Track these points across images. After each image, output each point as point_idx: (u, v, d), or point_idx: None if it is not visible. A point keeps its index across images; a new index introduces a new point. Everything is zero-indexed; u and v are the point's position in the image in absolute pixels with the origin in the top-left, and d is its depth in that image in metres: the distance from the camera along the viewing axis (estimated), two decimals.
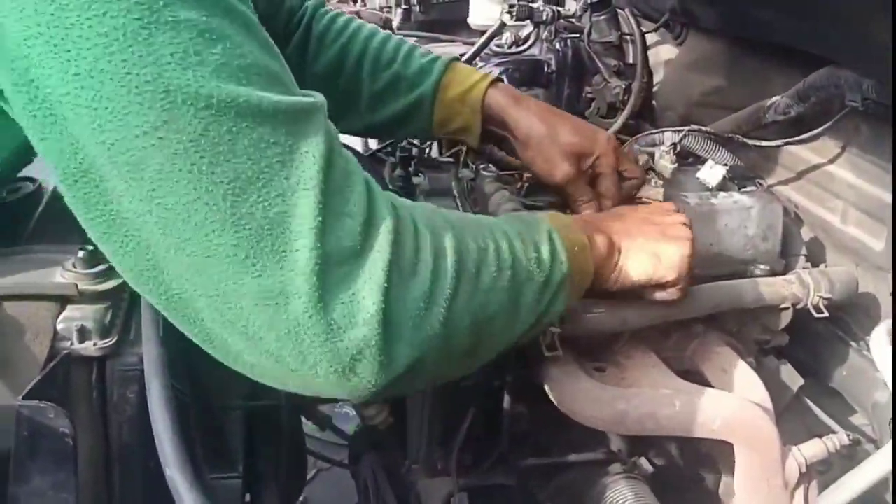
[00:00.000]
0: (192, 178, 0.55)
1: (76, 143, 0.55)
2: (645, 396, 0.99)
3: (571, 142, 1.10)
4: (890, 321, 0.91)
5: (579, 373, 1.00)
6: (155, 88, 0.54)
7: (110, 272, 0.79)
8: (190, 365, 0.58)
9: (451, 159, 1.17)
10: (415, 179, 1.13)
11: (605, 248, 0.88)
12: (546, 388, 1.00)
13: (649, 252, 0.91)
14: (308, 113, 0.62)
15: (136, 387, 0.72)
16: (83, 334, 0.77)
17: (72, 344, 0.78)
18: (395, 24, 1.92)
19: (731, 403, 0.99)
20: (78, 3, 0.53)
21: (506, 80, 1.32)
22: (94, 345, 0.76)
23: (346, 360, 0.61)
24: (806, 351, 1.26)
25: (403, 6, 1.94)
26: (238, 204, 0.57)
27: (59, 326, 0.78)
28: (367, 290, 0.61)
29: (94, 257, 0.78)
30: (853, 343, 1.21)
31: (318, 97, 0.65)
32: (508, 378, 1.01)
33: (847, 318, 1.21)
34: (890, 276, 1.06)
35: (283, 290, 0.58)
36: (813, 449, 1.04)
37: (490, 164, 1.15)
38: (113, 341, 0.77)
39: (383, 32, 1.20)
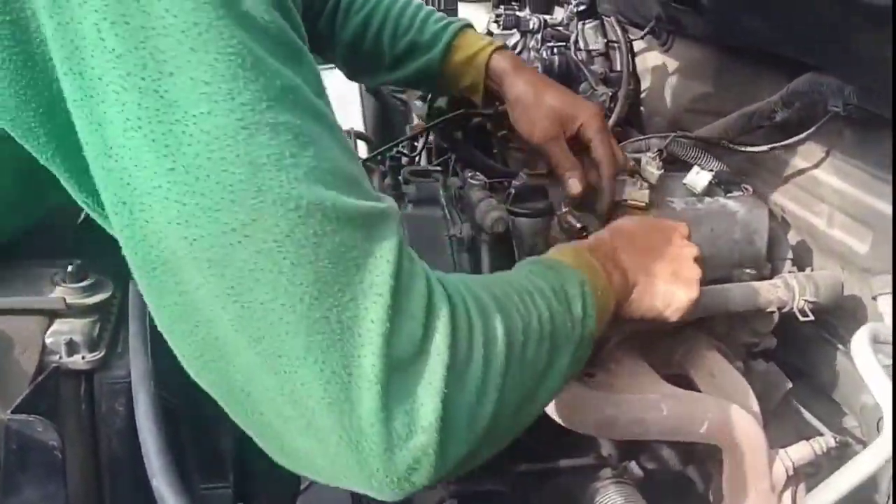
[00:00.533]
0: (274, 277, 0.55)
1: (159, 233, 0.55)
2: (633, 401, 1.00)
3: (553, 105, 1.19)
4: (871, 325, 0.92)
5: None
6: (248, 188, 0.54)
7: (98, 286, 0.79)
8: (186, 378, 0.58)
9: (439, 168, 1.18)
10: (404, 188, 1.13)
11: (621, 288, 0.89)
12: None
13: (661, 294, 0.93)
14: (384, 218, 0.62)
15: (125, 399, 0.72)
16: (71, 348, 0.77)
17: (60, 357, 0.78)
18: None
19: (719, 408, 1.00)
20: (185, 101, 0.53)
21: None
22: (83, 358, 0.76)
23: (402, 470, 0.60)
24: (794, 354, 1.27)
25: None
26: (315, 307, 0.56)
27: (48, 340, 0.78)
28: (426, 397, 0.60)
29: (82, 271, 0.78)
30: (840, 346, 1.22)
31: (390, 202, 0.65)
32: None
33: (834, 320, 1.22)
34: (874, 279, 1.07)
35: (348, 398, 0.57)
36: (800, 452, 1.05)
37: (478, 173, 1.16)
38: (101, 354, 0.77)
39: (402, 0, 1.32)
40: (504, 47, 1.28)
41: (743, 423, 0.99)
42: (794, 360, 1.28)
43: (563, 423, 0.99)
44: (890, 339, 0.92)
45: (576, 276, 0.81)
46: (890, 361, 0.93)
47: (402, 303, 0.60)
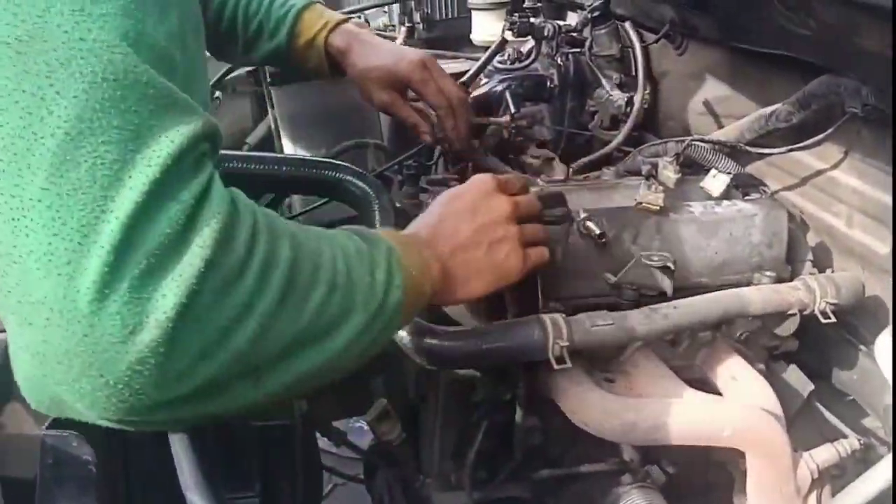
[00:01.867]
0: (33, 100, 0.51)
1: None
2: (654, 406, 1.00)
3: (380, 74, 1.30)
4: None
5: (589, 384, 1.01)
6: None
7: None
8: None
9: (456, 177, 1.19)
10: (422, 196, 1.14)
11: (440, 277, 0.85)
12: (556, 400, 1.01)
13: (489, 270, 0.90)
14: (188, 109, 0.59)
15: None
16: None
17: None
18: (398, 41, 1.94)
19: (741, 412, 1.00)
20: None
21: (508, 96, 1.34)
22: None
23: (121, 370, 0.52)
24: (815, 355, 1.26)
25: (407, 24, 1.96)
26: (67, 146, 0.51)
27: None
28: (169, 289, 0.53)
29: None
30: (862, 346, 1.21)
31: (209, 117, 0.62)
32: (519, 391, 1.02)
33: (855, 321, 1.21)
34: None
35: (73, 261, 0.51)
36: (824, 454, 1.05)
37: None
38: None
39: None
40: (345, 21, 1.35)
41: (766, 426, 0.99)
42: (816, 361, 1.27)
43: (584, 429, 1.00)
44: None
45: (385, 245, 0.78)
46: None
47: (173, 185, 0.55)
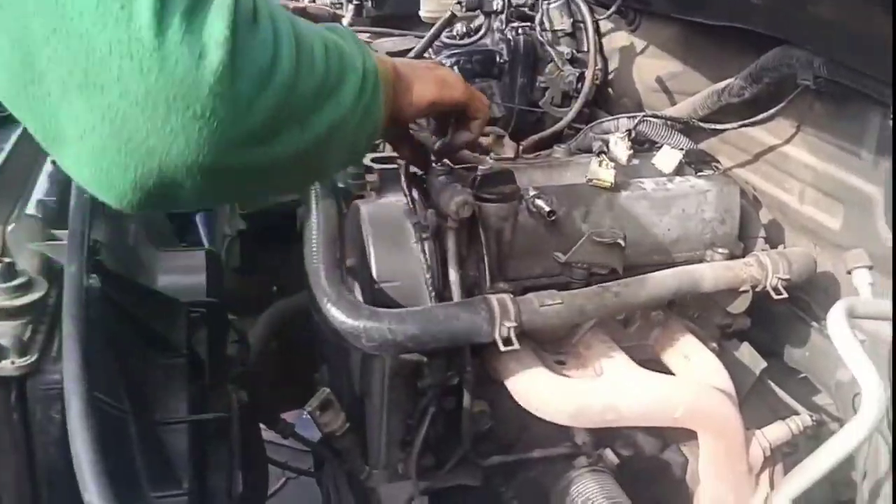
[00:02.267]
0: None
1: None
2: (605, 388, 0.98)
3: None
4: (847, 300, 0.90)
5: (539, 366, 0.99)
6: None
7: (29, 285, 0.75)
8: (127, 379, 0.54)
9: None
10: (367, 177, 1.10)
11: (391, 69, 0.90)
12: (505, 383, 0.98)
13: (430, 78, 0.95)
14: None
15: (61, 406, 0.68)
16: (0, 353, 0.72)
17: None
18: (346, 20, 1.89)
19: (694, 391, 0.99)
20: None
21: (457, 70, 1.30)
22: (13, 363, 0.72)
23: (203, 96, 0.58)
24: (767, 333, 1.26)
25: (355, 2, 1.90)
26: None
27: None
28: (216, 16, 0.58)
29: (11, 270, 0.74)
30: (814, 323, 1.21)
31: None
32: (466, 375, 0.99)
33: (806, 297, 1.21)
34: (847, 254, 1.05)
35: (124, 4, 0.55)
36: (776, 432, 1.04)
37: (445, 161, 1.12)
38: (33, 359, 0.73)
39: None
40: None
41: (718, 405, 0.98)
42: (768, 339, 1.26)
43: (534, 413, 0.97)
44: (867, 313, 0.90)
45: (354, 36, 0.84)
46: (865, 337, 0.91)
47: None
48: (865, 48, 0.93)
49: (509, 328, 0.90)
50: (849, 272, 1.03)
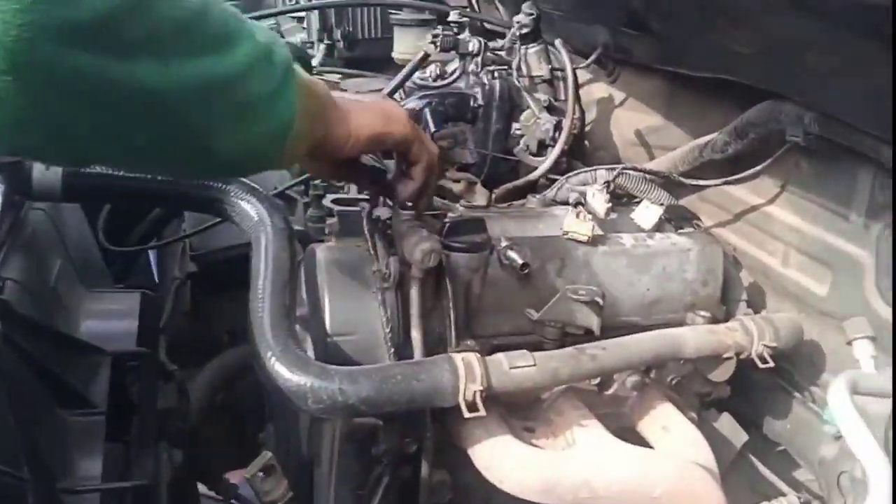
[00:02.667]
0: None
1: None
2: (579, 461, 0.89)
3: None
4: (850, 373, 0.83)
5: (506, 434, 0.90)
6: None
7: None
8: (29, 440, 0.44)
9: (366, 196, 1.07)
10: (328, 221, 1.02)
11: (326, 96, 0.83)
12: (468, 452, 0.89)
13: (372, 110, 0.88)
14: None
15: None
16: None
17: None
18: (316, 60, 1.83)
19: (674, 468, 0.90)
20: None
21: (428, 114, 1.23)
22: None
23: None
24: (747, 403, 1.19)
25: (326, 42, 1.84)
26: None
27: None
28: None
29: None
30: (797, 394, 1.14)
31: None
32: (426, 442, 0.89)
33: (790, 367, 1.14)
34: (847, 323, 0.99)
35: None
36: None
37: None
38: None
39: None
40: None
41: (701, 484, 0.89)
42: (747, 409, 1.20)
43: (499, 486, 0.87)
44: (870, 389, 0.83)
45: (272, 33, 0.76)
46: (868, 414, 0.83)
47: None
48: (862, 101, 0.88)
49: (475, 392, 0.81)
50: (849, 343, 0.96)
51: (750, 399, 1.19)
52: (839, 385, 0.79)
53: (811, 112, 0.99)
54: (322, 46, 1.85)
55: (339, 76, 1.76)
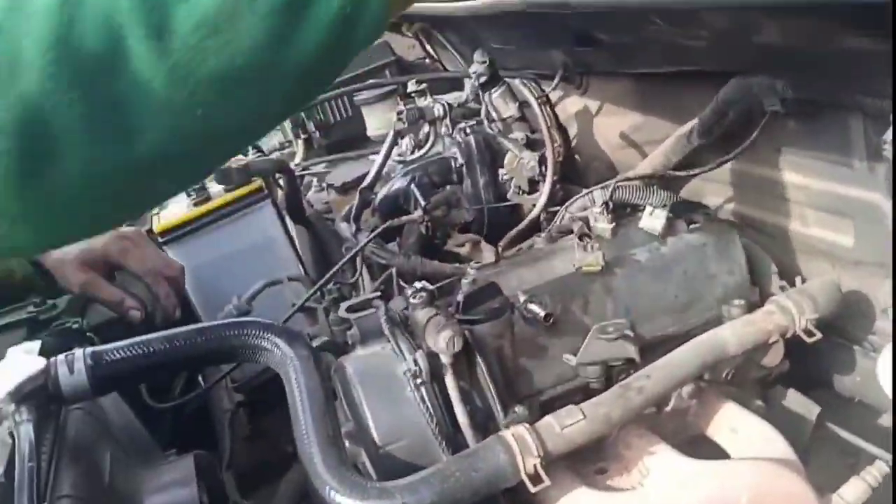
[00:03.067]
0: None
1: None
2: (657, 494, 0.88)
3: (74, 255, 1.23)
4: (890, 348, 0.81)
5: (579, 486, 0.89)
6: None
7: None
8: None
9: (378, 293, 1.08)
10: (348, 333, 1.03)
11: None
12: None
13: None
14: None
15: None
16: None
17: None
18: (298, 156, 1.86)
19: (752, 473, 0.88)
20: None
21: (415, 189, 1.24)
22: None
23: None
24: (811, 367, 1.16)
25: (303, 136, 1.88)
26: None
27: None
28: None
29: None
30: (856, 346, 1.12)
31: None
32: None
33: (842, 322, 1.11)
34: (879, 292, 0.97)
35: None
36: (855, 490, 0.93)
37: (423, 283, 1.04)
38: None
39: None
40: None
41: (786, 483, 0.87)
42: (813, 371, 1.17)
43: None
44: None
45: None
46: None
47: None
48: (833, 67, 0.87)
49: (535, 464, 0.80)
50: (884, 311, 0.94)
51: (812, 363, 1.16)
52: (886, 358, 0.77)
53: (781, 79, 0.98)
54: (300, 142, 1.88)
55: (324, 166, 1.79)
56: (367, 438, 0.90)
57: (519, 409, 0.94)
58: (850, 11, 0.68)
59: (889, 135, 0.84)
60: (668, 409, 1.04)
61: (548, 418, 0.86)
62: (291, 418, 0.88)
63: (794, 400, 1.13)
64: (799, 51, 0.89)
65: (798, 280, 1.12)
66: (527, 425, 0.84)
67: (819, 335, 1.00)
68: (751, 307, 1.07)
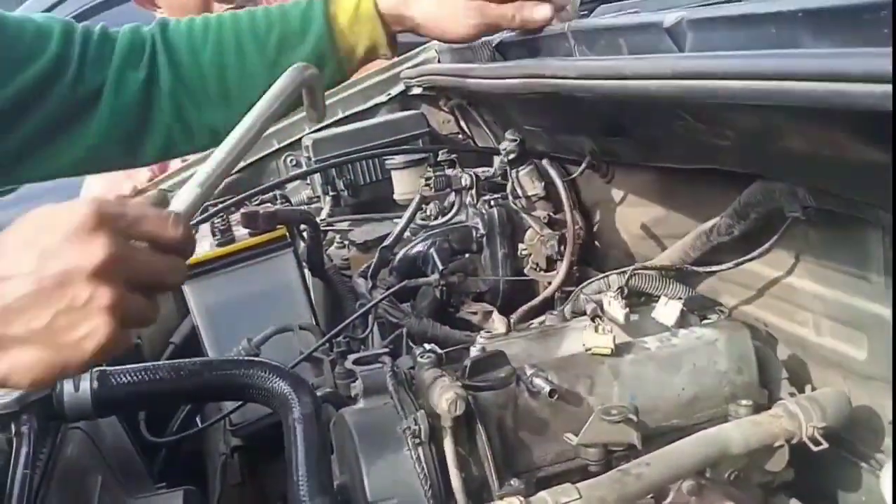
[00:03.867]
0: None
1: None
2: None
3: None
4: None
5: None
6: None
7: None
8: None
9: (387, 350, 1.08)
10: (352, 385, 1.03)
11: None
12: None
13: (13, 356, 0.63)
14: None
15: None
16: None
17: None
18: (324, 212, 1.89)
19: None
20: None
21: (434, 253, 1.26)
22: None
23: None
24: (815, 480, 1.14)
25: (331, 193, 1.91)
26: None
27: None
28: None
29: None
30: (863, 463, 1.10)
31: None
32: None
33: (849, 437, 1.10)
34: (883, 385, 0.96)
35: None
36: None
37: (432, 346, 1.05)
38: None
39: (243, 11, 1.18)
40: None
41: None
42: (817, 485, 1.14)
43: None
44: None
45: None
46: None
47: None
48: (851, 177, 0.89)
49: None
50: (891, 422, 0.93)
51: (818, 475, 1.14)
52: (888, 472, 0.76)
53: (802, 187, 1.00)
54: (328, 199, 1.92)
55: (349, 223, 1.82)
56: (359, 493, 0.90)
57: (515, 481, 0.93)
58: (868, 121, 0.70)
59: None
60: (667, 502, 1.02)
61: (542, 494, 0.85)
62: (287, 463, 0.87)
63: None
64: (820, 159, 0.91)
65: (808, 388, 1.11)
66: (521, 498, 0.83)
67: (825, 444, 0.99)
68: (757, 409, 1.06)
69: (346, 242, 1.63)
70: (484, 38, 1.27)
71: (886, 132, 0.61)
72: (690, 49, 0.94)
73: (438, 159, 1.36)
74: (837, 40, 0.66)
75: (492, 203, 1.33)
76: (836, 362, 1.12)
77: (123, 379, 0.89)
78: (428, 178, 1.28)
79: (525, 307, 1.26)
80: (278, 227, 1.37)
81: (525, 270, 1.32)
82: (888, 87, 0.56)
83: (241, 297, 1.36)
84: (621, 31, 1.02)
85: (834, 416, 1.01)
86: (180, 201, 0.71)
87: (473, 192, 1.34)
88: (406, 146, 1.84)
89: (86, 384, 0.88)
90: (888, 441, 1.06)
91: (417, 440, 0.90)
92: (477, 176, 1.33)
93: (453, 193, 1.35)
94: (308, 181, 2.03)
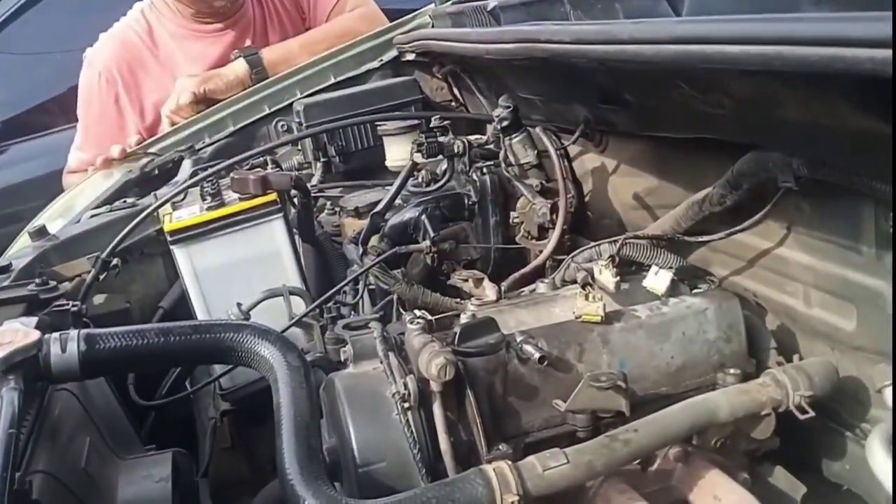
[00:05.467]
0: None
1: None
2: None
3: None
4: (883, 427, 0.81)
5: None
6: None
7: None
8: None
9: (377, 316, 1.08)
10: (340, 349, 1.02)
11: None
12: None
13: None
14: None
15: None
16: None
17: None
18: (315, 178, 1.88)
19: None
20: None
21: (425, 220, 1.25)
22: None
23: None
24: (800, 448, 1.16)
25: (322, 159, 1.90)
26: None
27: None
28: None
29: None
30: (848, 432, 1.11)
31: None
32: None
33: (836, 406, 1.11)
34: (874, 370, 0.97)
35: None
36: None
37: (423, 312, 1.05)
38: None
39: None
40: None
41: None
42: (802, 454, 1.16)
43: None
44: None
45: None
46: None
47: None
48: (847, 146, 0.88)
49: (512, 501, 0.80)
50: (879, 391, 0.94)
51: (803, 444, 1.15)
52: (875, 441, 0.77)
53: (797, 158, 0.99)
54: (319, 165, 1.90)
55: (340, 190, 1.81)
56: (348, 456, 0.90)
57: (504, 446, 0.93)
58: (867, 88, 0.69)
59: None
60: (653, 468, 1.03)
61: (531, 458, 0.86)
62: (275, 426, 0.87)
63: (781, 478, 1.12)
64: (817, 128, 0.90)
65: (796, 358, 1.12)
66: (509, 462, 0.84)
67: (812, 413, 1.00)
68: (746, 377, 1.07)
69: (338, 209, 1.62)
70: (479, 3, 1.25)
71: (886, 98, 0.60)
72: (688, 13, 0.94)
73: (431, 126, 1.34)
74: (837, 4, 0.66)
75: (484, 170, 1.32)
76: (824, 333, 1.12)
77: (111, 340, 0.89)
78: (420, 144, 1.27)
79: (516, 275, 1.26)
80: (269, 192, 1.35)
81: (516, 238, 1.31)
82: (888, 52, 0.56)
83: (231, 261, 1.35)
84: None
85: (821, 386, 1.02)
86: None
87: (466, 159, 1.33)
88: (398, 112, 1.82)
89: (73, 345, 0.87)
90: (874, 411, 1.07)
91: (407, 405, 0.90)
92: (469, 143, 1.32)
93: (445, 160, 1.34)
94: (299, 147, 2.01)
